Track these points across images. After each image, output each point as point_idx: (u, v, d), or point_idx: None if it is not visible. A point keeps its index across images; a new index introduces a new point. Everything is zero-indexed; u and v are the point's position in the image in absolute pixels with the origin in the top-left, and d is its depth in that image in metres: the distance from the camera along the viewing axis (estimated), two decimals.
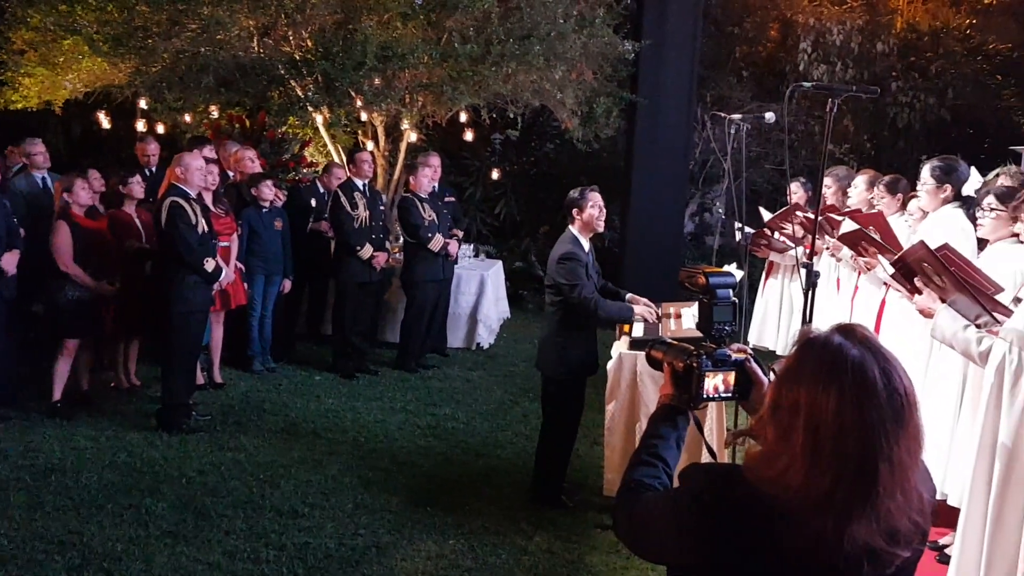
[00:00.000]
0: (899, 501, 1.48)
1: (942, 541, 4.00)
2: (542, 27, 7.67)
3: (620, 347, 4.89)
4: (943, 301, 3.47)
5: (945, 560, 3.82)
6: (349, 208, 7.18)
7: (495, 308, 8.75)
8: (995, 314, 3.36)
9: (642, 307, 4.83)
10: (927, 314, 3.55)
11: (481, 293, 8.45)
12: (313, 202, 7.81)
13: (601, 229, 4.83)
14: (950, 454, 4.09)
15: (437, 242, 7.42)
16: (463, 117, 8.68)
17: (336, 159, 8.72)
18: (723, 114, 5.64)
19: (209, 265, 5.77)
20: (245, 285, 6.85)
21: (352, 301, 7.32)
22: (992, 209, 4.13)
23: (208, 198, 6.21)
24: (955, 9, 12.06)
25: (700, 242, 11.39)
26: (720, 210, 6.22)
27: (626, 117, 9.52)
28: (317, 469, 5.27)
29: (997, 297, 3.59)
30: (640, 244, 9.41)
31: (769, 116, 5.55)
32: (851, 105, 10.75)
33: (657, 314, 4.96)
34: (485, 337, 8.52)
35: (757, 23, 11.76)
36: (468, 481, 5.24)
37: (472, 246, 9.43)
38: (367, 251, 7.22)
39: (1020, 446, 3.01)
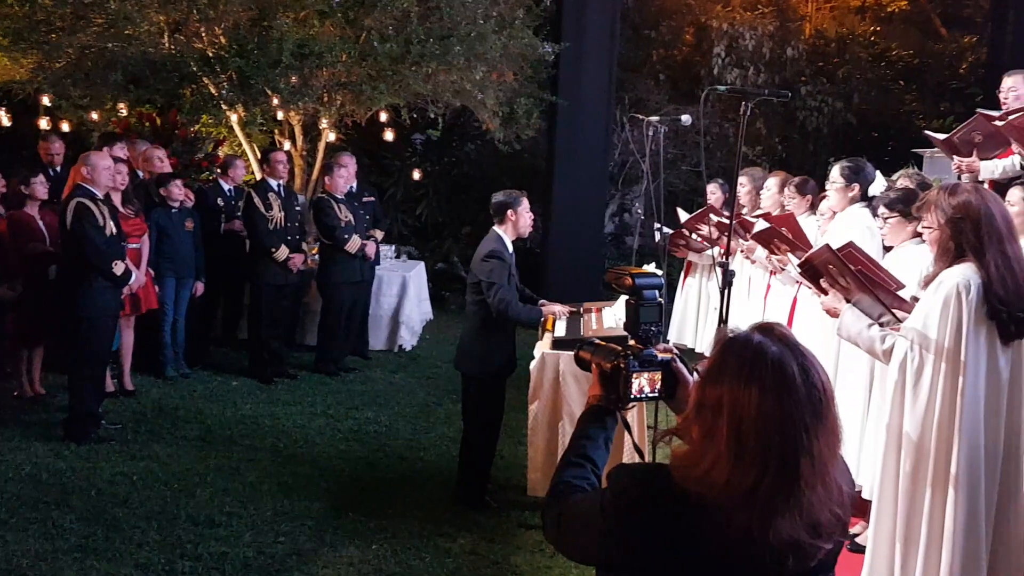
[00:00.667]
0: (820, 494, 1.51)
1: (853, 531, 4.12)
2: (462, 27, 7.65)
3: (543, 347, 4.91)
4: (848, 301, 3.57)
5: (856, 549, 3.95)
6: (263, 209, 7.02)
7: (417, 309, 8.69)
8: (897, 312, 3.48)
9: (552, 305, 4.90)
10: (833, 314, 3.65)
11: (403, 294, 8.38)
12: (220, 201, 7.60)
13: (526, 235, 4.87)
14: (861, 447, 4.22)
15: (354, 243, 7.33)
16: (383, 117, 8.60)
17: (252, 158, 8.53)
18: (641, 116, 5.72)
19: (118, 268, 5.57)
20: (156, 288, 6.63)
21: (269, 304, 7.17)
22: (887, 218, 4.31)
23: (117, 198, 5.99)
24: (860, 17, 12.53)
25: (620, 242, 11.54)
26: (639, 211, 6.29)
27: (547, 118, 9.58)
28: (234, 476, 5.14)
29: (900, 293, 3.72)
30: (562, 244, 9.48)
31: (685, 118, 5.65)
32: (763, 108, 11.04)
33: (577, 312, 5.00)
34: (407, 339, 8.45)
35: (673, 27, 11.98)
36: (391, 485, 5.18)
37: (393, 247, 9.35)
38: (283, 252, 7.08)
39: (925, 438, 3.12)
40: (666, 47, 12.05)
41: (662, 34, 11.93)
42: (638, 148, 9.95)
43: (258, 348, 7.19)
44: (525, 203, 4.79)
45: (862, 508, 3.62)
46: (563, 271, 9.08)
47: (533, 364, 4.85)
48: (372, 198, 8.21)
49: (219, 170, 8.02)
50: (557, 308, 4.92)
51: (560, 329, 4.99)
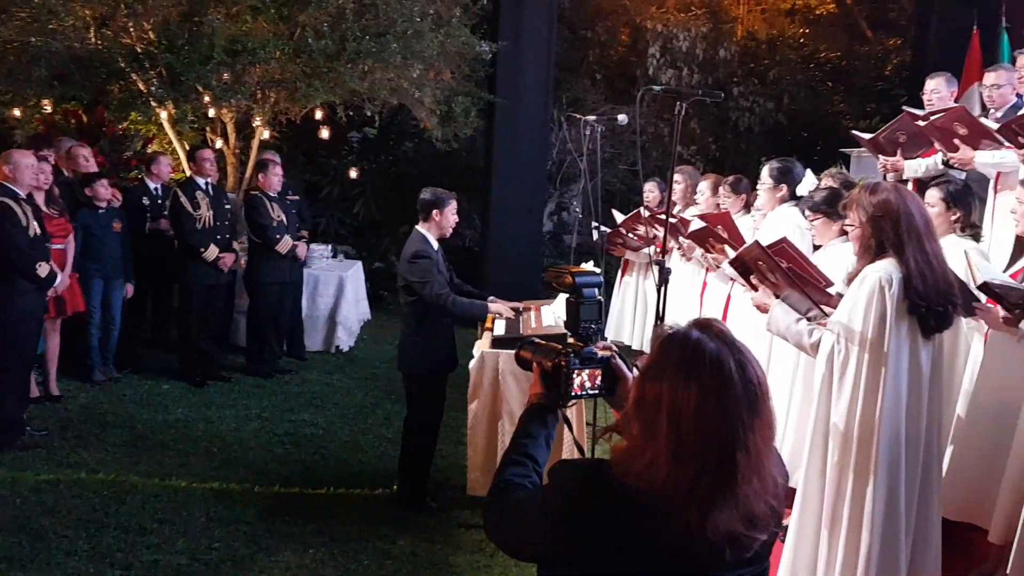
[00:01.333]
0: (756, 487, 1.54)
1: (786, 522, 4.20)
2: (399, 25, 7.59)
3: (482, 346, 4.90)
4: (777, 297, 3.65)
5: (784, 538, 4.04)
6: (190, 208, 6.86)
7: (355, 310, 8.60)
8: (825, 308, 3.57)
9: (499, 304, 4.90)
10: (763, 309, 3.73)
11: (340, 295, 8.29)
12: (146, 200, 7.40)
13: (448, 235, 4.86)
14: (785, 439, 4.32)
15: (285, 244, 7.22)
16: (319, 115, 8.48)
17: (182, 157, 8.33)
18: (578, 115, 5.76)
19: (42, 270, 5.40)
20: (82, 290, 6.42)
21: (199, 305, 7.01)
22: (812, 220, 4.42)
23: (40, 198, 5.79)
24: (790, 19, 12.80)
25: (559, 241, 11.59)
26: (577, 209, 6.35)
27: (485, 117, 9.57)
28: (165, 483, 5.01)
29: (829, 290, 3.82)
30: (501, 243, 9.49)
31: (622, 118, 5.71)
32: (697, 108, 11.20)
33: (516, 312, 5.01)
34: (345, 339, 8.36)
35: (609, 28, 12.08)
36: (329, 487, 5.12)
37: (330, 247, 9.24)
38: (212, 252, 6.93)
39: (849, 428, 3.21)
40: (602, 47, 12.14)
41: (598, 34, 12.01)
42: (575, 147, 10.02)
43: (189, 350, 7.03)
44: (453, 204, 4.79)
45: (791, 498, 3.70)
46: (502, 270, 9.08)
47: (472, 363, 4.85)
48: (297, 197, 8.10)
49: (143, 168, 7.82)
50: (503, 308, 4.92)
51: (500, 328, 4.99)
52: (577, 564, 1.59)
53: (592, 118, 5.51)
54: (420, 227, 4.78)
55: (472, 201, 10.38)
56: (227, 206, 7.33)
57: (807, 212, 4.49)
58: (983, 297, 3.43)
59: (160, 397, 6.61)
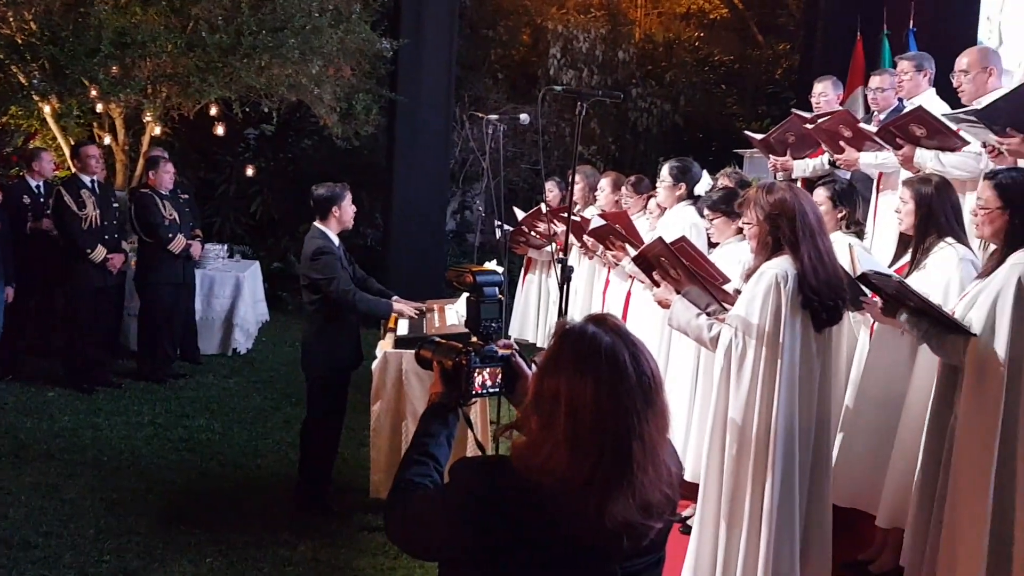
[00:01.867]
0: (651, 476, 1.58)
1: (685, 513, 4.30)
2: (296, 20, 7.44)
3: (385, 346, 4.85)
4: (678, 292, 3.74)
5: (688, 531, 4.13)
6: (75, 207, 6.56)
7: (252, 311, 8.39)
8: (723, 303, 3.67)
9: (403, 304, 4.86)
10: (664, 304, 3.81)
11: (237, 296, 8.07)
12: (27, 199, 7.03)
13: (350, 228, 4.81)
14: (688, 433, 4.43)
15: (179, 243, 6.99)
16: (213, 110, 8.24)
17: (67, 153, 7.96)
18: (480, 114, 5.76)
19: None
20: None
21: (87, 308, 6.70)
22: (712, 219, 4.55)
23: None
24: (685, 23, 13.12)
25: (462, 239, 11.58)
26: (480, 208, 6.35)
27: (386, 115, 9.48)
28: (52, 494, 4.78)
29: (725, 287, 3.94)
30: (403, 241, 9.42)
31: (524, 117, 5.73)
32: (597, 109, 11.37)
33: (420, 312, 4.99)
34: (242, 342, 8.14)
35: (510, 27, 12.13)
36: (226, 495, 4.98)
37: (226, 246, 8.98)
38: (100, 253, 6.64)
39: (747, 421, 3.31)
40: (504, 47, 12.19)
41: (499, 34, 12.05)
42: (478, 146, 10.05)
43: (75, 356, 6.72)
44: (349, 197, 4.75)
45: (692, 491, 3.79)
46: (405, 269, 9.02)
47: (375, 364, 4.79)
48: (187, 196, 7.87)
49: (24, 164, 7.44)
50: (407, 308, 4.88)
51: (403, 328, 4.95)
52: (480, 561, 1.60)
53: (494, 117, 5.52)
54: (319, 224, 4.70)
55: (374, 200, 10.27)
56: (115, 205, 7.04)
57: (706, 210, 4.62)
58: (868, 291, 3.59)
59: (45, 405, 6.30)
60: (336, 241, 4.70)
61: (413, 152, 9.40)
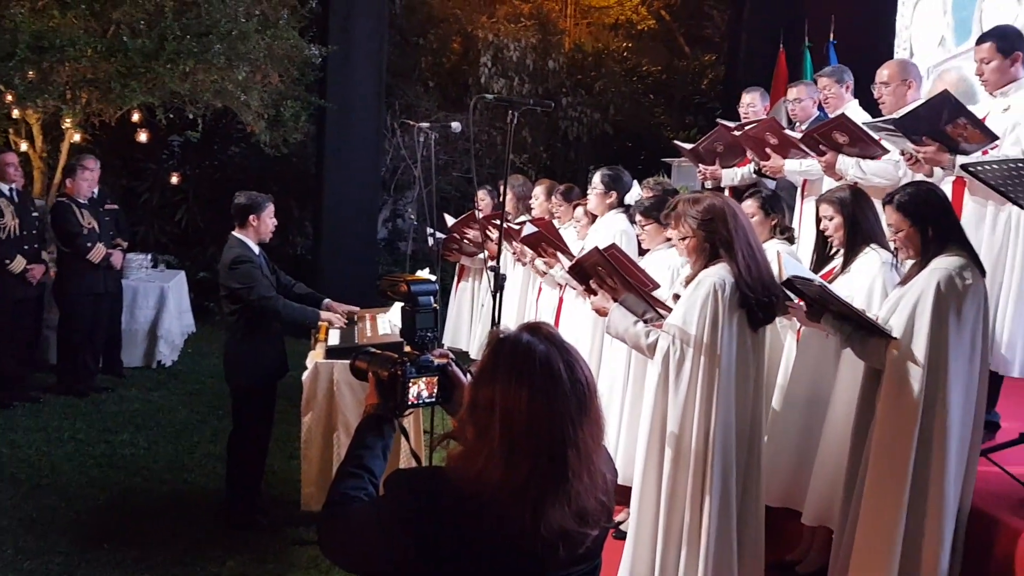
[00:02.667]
0: (586, 483, 1.58)
1: (618, 518, 4.33)
2: (222, 25, 7.29)
3: (316, 356, 4.77)
4: (615, 300, 3.77)
5: (621, 536, 4.16)
6: None
7: (178, 322, 8.19)
8: (661, 310, 3.72)
9: (329, 313, 4.79)
10: (602, 313, 3.84)
11: (161, 307, 7.86)
12: None
13: (268, 240, 4.74)
14: (619, 438, 4.46)
15: (98, 252, 6.77)
16: (136, 117, 8.01)
17: None
18: (412, 122, 5.73)
19: None
20: None
21: (5, 321, 6.44)
22: (643, 224, 4.62)
23: None
24: (614, 33, 13.29)
25: (394, 248, 11.49)
26: (412, 216, 6.32)
27: (315, 122, 9.36)
28: None
29: (655, 294, 3.99)
30: (334, 250, 9.31)
31: (455, 125, 5.73)
32: (528, 118, 11.42)
33: (351, 317, 4.92)
34: (167, 354, 7.93)
35: (441, 36, 12.11)
36: (152, 511, 4.83)
37: (149, 256, 8.74)
38: (19, 264, 6.39)
39: (685, 428, 3.36)
40: (434, 55, 12.16)
41: (430, 42, 12.02)
42: (409, 154, 10.00)
43: None
44: (270, 208, 4.67)
45: (625, 496, 3.82)
46: (336, 278, 8.90)
47: (306, 375, 4.71)
48: (115, 206, 7.64)
49: None
50: (335, 316, 4.81)
51: (334, 337, 4.87)
52: (416, 573, 1.58)
53: (426, 125, 5.50)
54: (237, 233, 4.63)
55: (303, 208, 10.12)
56: (35, 214, 6.79)
57: (638, 216, 4.68)
58: (794, 297, 3.67)
59: None
60: (256, 250, 4.62)
61: (343, 160, 9.31)
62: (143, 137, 8.64)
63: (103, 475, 5.30)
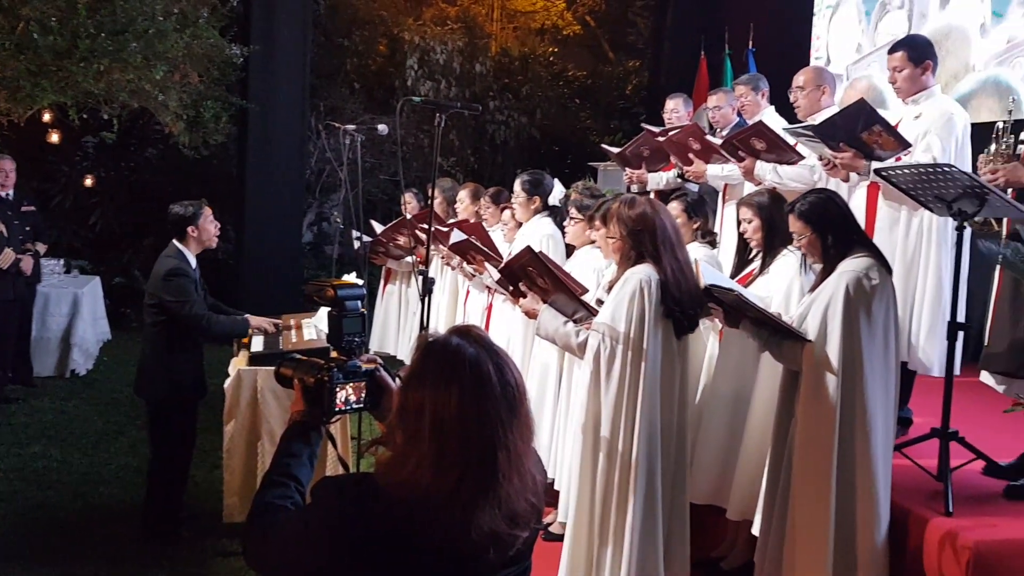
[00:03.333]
0: (516, 485, 1.59)
1: (547, 520, 4.34)
2: (139, 23, 7.08)
3: (239, 363, 4.67)
4: (545, 302, 3.79)
5: (550, 538, 4.18)
6: None
7: (92, 329, 7.92)
8: (590, 310, 3.75)
9: (259, 319, 4.71)
10: (532, 314, 3.86)
11: (75, 313, 7.60)
12: None
13: (213, 246, 4.64)
14: (552, 441, 4.49)
15: (6, 257, 6.50)
16: (47, 117, 7.73)
17: None
18: (337, 124, 5.67)
19: None
20: None
21: None
22: (573, 218, 4.65)
23: None
24: (540, 38, 13.37)
25: (319, 251, 11.33)
26: (338, 219, 6.24)
27: (237, 123, 9.17)
28: None
29: (583, 298, 4.02)
30: (257, 255, 9.13)
31: (382, 128, 5.69)
32: (456, 121, 11.40)
33: (276, 327, 4.84)
34: (81, 362, 7.66)
35: (366, 37, 12.00)
36: (67, 525, 4.66)
37: (62, 261, 8.44)
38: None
39: (616, 426, 3.39)
40: (360, 56, 12.04)
41: (355, 43, 11.89)
42: (335, 156, 9.85)
43: None
44: (207, 213, 4.56)
45: (553, 498, 3.85)
46: (259, 283, 8.73)
47: (228, 382, 4.61)
48: (33, 208, 7.35)
49: None
50: (264, 322, 4.73)
51: (257, 344, 4.78)
52: None
53: (352, 127, 5.45)
54: (177, 243, 4.50)
55: (225, 212, 9.87)
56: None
57: (572, 209, 4.70)
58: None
59: None
60: (193, 263, 4.50)
61: (266, 162, 9.14)
62: (55, 138, 8.35)
63: (14, 489, 5.08)
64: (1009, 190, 3.60)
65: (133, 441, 5.95)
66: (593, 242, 4.40)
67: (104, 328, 8.41)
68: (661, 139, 5.41)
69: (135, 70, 7.13)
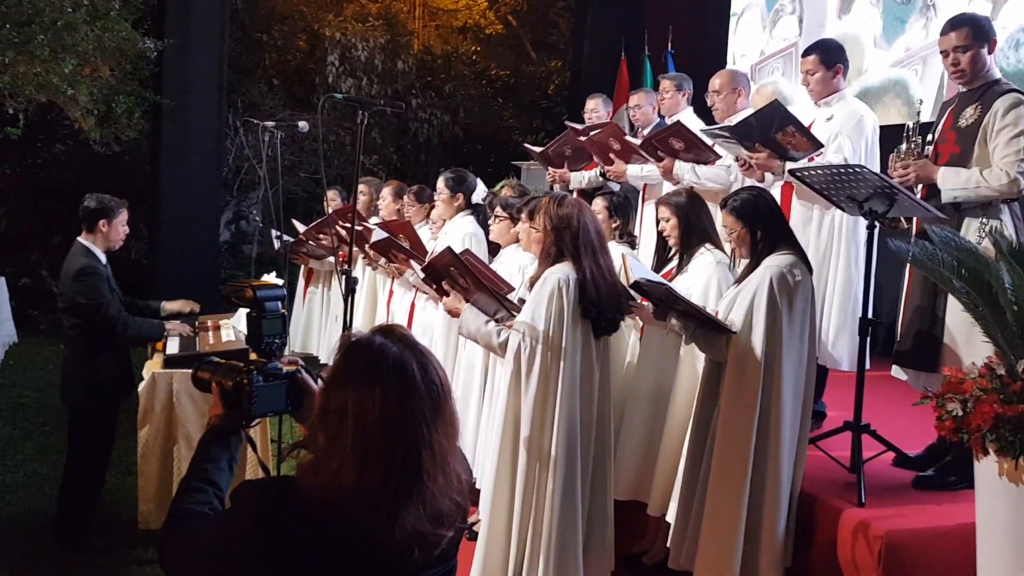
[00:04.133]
0: (441, 484, 1.58)
1: (471, 519, 4.34)
2: (47, 15, 6.83)
3: (153, 366, 4.54)
4: (467, 301, 3.79)
5: (474, 538, 4.18)
6: None
7: None
8: (511, 310, 3.77)
9: (175, 323, 4.60)
10: (454, 313, 3.85)
11: None
12: None
13: (117, 248, 4.51)
14: (477, 441, 4.49)
15: None
16: None
17: None
18: (256, 121, 5.55)
19: None
20: None
21: None
22: (497, 216, 4.66)
23: None
24: (463, 36, 13.35)
25: (237, 251, 11.08)
26: (257, 218, 6.12)
27: (151, 119, 8.90)
28: None
29: (511, 296, 4.03)
30: (172, 254, 8.88)
31: (303, 125, 5.60)
32: (378, 118, 11.29)
33: (194, 328, 4.73)
34: None
35: (285, 32, 11.79)
36: None
37: None
38: None
39: (536, 424, 3.41)
40: (279, 52, 11.83)
41: (274, 38, 11.68)
42: (254, 153, 9.68)
43: None
44: (123, 215, 4.42)
45: (477, 497, 3.84)
46: (175, 283, 8.46)
47: (142, 386, 4.48)
48: None
49: None
50: (181, 327, 4.61)
51: (173, 346, 4.65)
52: None
53: (271, 124, 5.34)
54: (84, 239, 4.33)
55: (138, 210, 9.57)
56: None
57: (497, 207, 4.71)
58: (637, 297, 3.80)
59: None
60: (103, 259, 4.35)
61: (182, 159, 8.90)
62: None
63: None
64: (919, 188, 3.75)
65: (41, 447, 5.72)
66: (519, 240, 4.41)
67: (10, 330, 8.06)
68: (583, 138, 5.47)
69: (42, 63, 6.88)
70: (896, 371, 3.97)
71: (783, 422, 3.34)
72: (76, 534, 4.35)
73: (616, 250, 4.24)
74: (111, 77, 7.97)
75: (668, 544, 3.63)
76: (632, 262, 3.72)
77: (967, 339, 3.50)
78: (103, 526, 4.54)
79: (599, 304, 3.43)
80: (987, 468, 2.86)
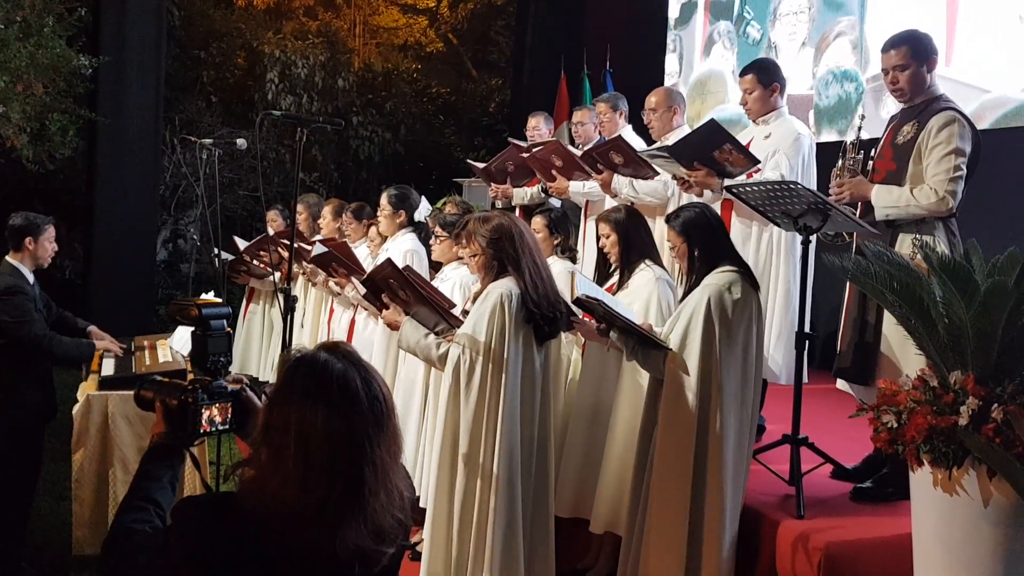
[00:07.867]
0: (383, 500, 1.59)
1: (414, 539, 4.31)
2: None
3: (88, 388, 4.43)
4: (407, 314, 3.79)
5: (417, 557, 4.15)
6: None
7: None
8: (451, 323, 3.78)
9: (107, 342, 4.51)
10: (394, 326, 3.85)
11: None
12: None
13: (45, 266, 4.41)
14: (417, 458, 4.46)
15: None
16: None
17: None
18: (193, 138, 5.50)
19: None
20: None
21: None
22: (438, 236, 4.68)
23: None
24: (403, 54, 13.39)
25: (175, 270, 10.88)
26: (195, 236, 6.03)
27: (85, 136, 8.71)
28: None
29: (454, 311, 4.04)
30: (107, 274, 8.66)
31: (241, 142, 5.56)
32: (318, 136, 11.23)
33: (128, 347, 4.64)
34: None
35: (224, 49, 11.68)
36: None
37: None
38: None
39: (476, 437, 3.41)
40: (217, 69, 11.70)
41: (212, 55, 11.55)
42: (191, 171, 9.53)
43: None
44: (50, 231, 4.33)
45: (422, 516, 3.83)
46: (110, 303, 8.29)
47: (76, 408, 4.36)
48: None
49: None
50: (109, 343, 4.51)
51: (108, 367, 4.55)
52: None
53: (209, 141, 5.29)
54: (11, 258, 4.24)
55: (72, 229, 9.36)
56: None
57: (437, 227, 4.71)
58: (580, 312, 3.84)
59: None
60: (30, 279, 4.25)
61: (118, 177, 8.71)
62: None
63: None
64: (859, 205, 3.83)
65: None
66: (460, 259, 4.43)
67: None
68: (526, 155, 5.52)
69: None
70: (842, 384, 4.01)
71: (725, 439, 3.36)
72: (6, 563, 4.21)
73: (559, 266, 4.29)
74: (45, 94, 7.78)
75: (619, 562, 3.63)
76: (579, 277, 3.75)
77: (902, 352, 3.56)
78: (35, 553, 4.41)
79: (539, 305, 3.44)
80: (922, 479, 2.89)
